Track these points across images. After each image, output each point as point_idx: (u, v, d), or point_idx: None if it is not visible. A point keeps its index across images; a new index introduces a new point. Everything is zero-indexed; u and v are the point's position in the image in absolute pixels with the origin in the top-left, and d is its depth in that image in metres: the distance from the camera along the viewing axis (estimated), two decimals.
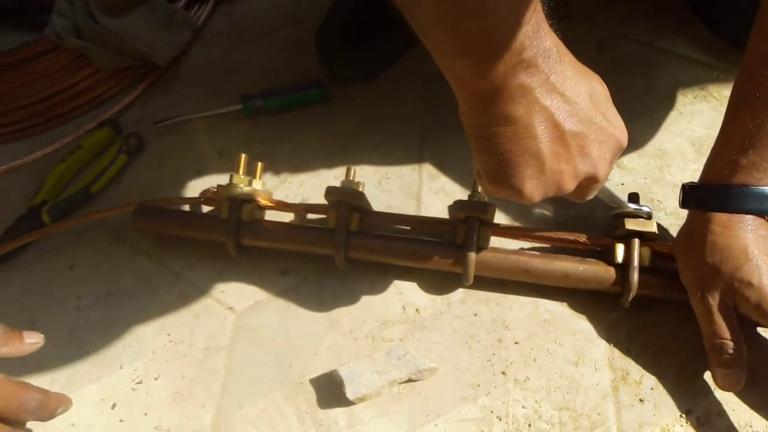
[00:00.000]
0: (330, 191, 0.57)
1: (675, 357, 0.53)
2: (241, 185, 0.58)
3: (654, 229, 0.53)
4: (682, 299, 0.52)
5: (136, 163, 0.71)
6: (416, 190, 0.65)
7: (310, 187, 0.67)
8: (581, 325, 0.56)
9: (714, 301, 0.49)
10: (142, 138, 0.71)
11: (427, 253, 0.57)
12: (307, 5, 0.86)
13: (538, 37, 0.36)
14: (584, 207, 0.62)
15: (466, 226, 0.55)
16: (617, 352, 0.54)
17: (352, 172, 0.58)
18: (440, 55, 0.38)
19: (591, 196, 0.46)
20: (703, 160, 0.53)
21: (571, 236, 0.56)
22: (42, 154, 0.69)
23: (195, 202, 0.63)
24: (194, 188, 0.67)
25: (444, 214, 0.63)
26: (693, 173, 0.62)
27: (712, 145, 0.52)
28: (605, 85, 0.43)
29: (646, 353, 0.54)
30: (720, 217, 0.49)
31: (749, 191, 0.49)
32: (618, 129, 0.43)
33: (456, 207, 0.56)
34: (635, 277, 0.52)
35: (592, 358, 0.54)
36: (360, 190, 0.58)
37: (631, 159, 0.65)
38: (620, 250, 0.54)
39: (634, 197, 0.56)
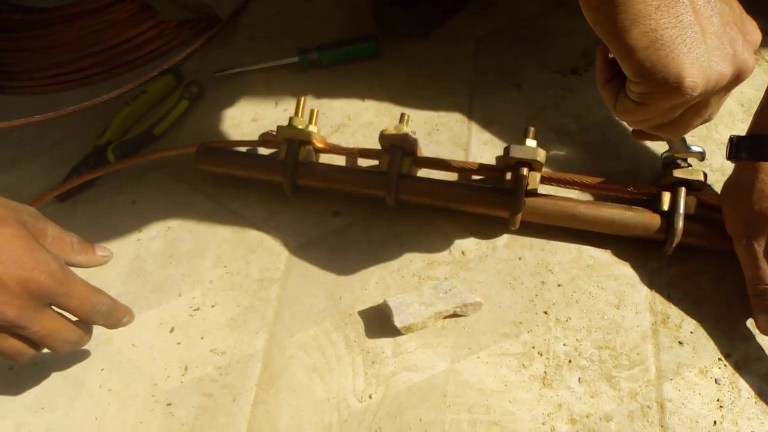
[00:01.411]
0: (384, 135, 0.59)
1: (716, 305, 0.54)
2: (300, 126, 0.61)
3: (701, 177, 0.54)
4: (726, 249, 0.53)
5: (196, 110, 0.74)
6: (465, 141, 0.67)
7: (361, 136, 0.69)
8: (624, 270, 0.57)
9: (759, 247, 0.50)
10: (203, 86, 0.74)
11: (475, 196, 0.58)
12: None
13: None
14: (629, 161, 0.63)
15: (515, 171, 0.57)
16: (658, 297, 0.55)
17: (405, 118, 0.60)
18: None
19: (695, 121, 0.41)
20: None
21: (619, 185, 0.57)
22: (108, 98, 0.72)
23: (254, 145, 0.65)
24: (251, 134, 0.70)
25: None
26: (740, 132, 0.63)
27: None
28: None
29: (687, 300, 0.55)
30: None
31: None
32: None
33: (505, 153, 0.58)
34: (680, 223, 0.53)
35: (633, 302, 0.55)
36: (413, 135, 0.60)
37: None
38: (667, 198, 0.55)
39: None
